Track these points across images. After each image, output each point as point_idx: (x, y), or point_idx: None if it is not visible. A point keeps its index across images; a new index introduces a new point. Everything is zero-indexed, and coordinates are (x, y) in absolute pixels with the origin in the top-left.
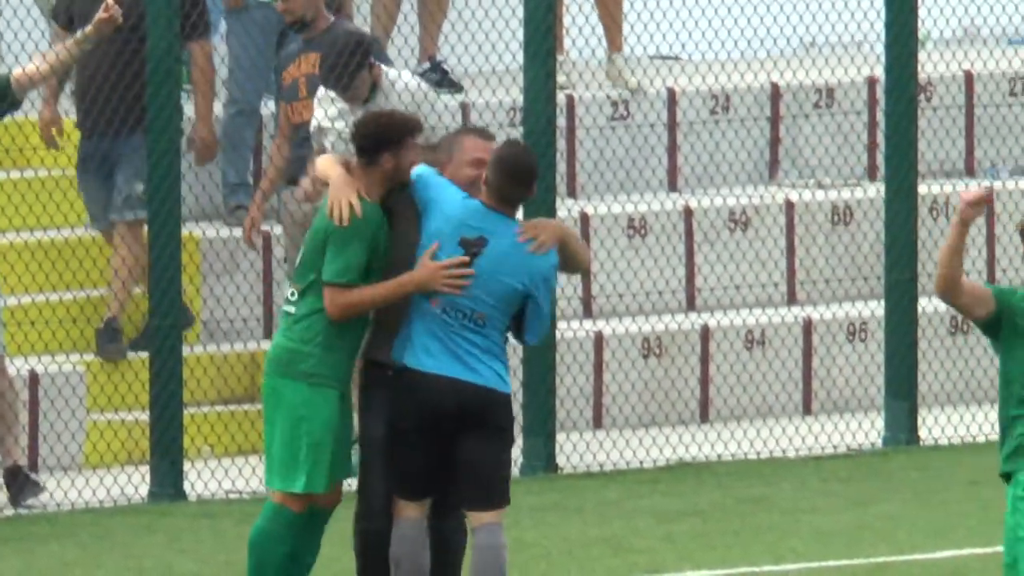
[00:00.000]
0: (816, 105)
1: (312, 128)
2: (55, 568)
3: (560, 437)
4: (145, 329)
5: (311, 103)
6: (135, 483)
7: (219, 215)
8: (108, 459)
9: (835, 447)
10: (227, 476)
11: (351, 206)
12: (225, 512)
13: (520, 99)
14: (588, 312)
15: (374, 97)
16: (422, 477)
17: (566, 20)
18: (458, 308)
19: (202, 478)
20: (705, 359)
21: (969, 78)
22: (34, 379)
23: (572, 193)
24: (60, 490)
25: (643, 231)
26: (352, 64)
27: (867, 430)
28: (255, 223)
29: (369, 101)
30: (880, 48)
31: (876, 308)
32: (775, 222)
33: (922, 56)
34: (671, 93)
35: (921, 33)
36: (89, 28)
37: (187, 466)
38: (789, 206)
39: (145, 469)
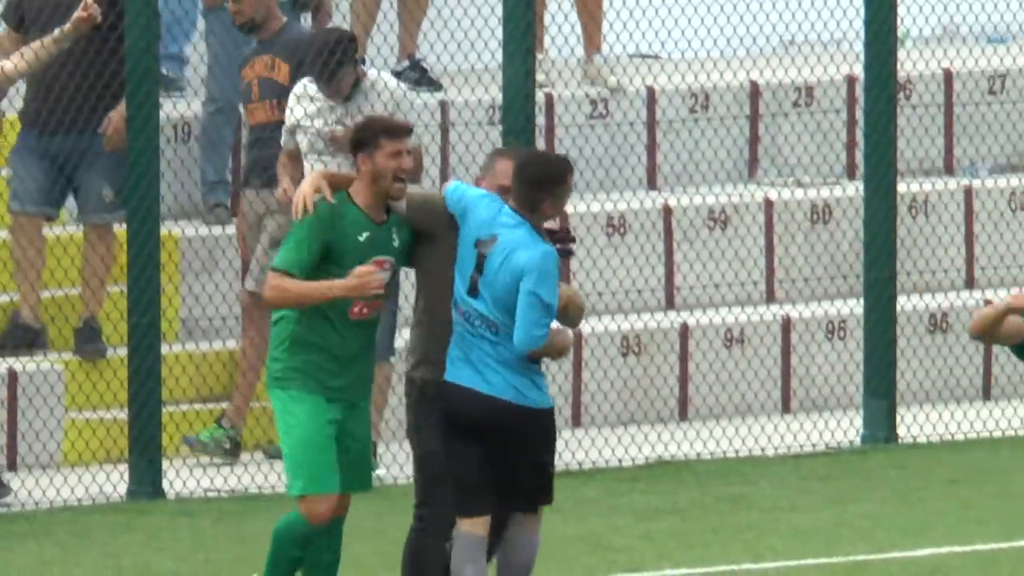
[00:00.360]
0: (795, 103)
1: (287, 125)
2: (33, 566)
3: None
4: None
5: (264, 106)
6: (113, 481)
7: (198, 213)
8: (86, 457)
9: (814, 445)
10: (205, 474)
11: (305, 201)
12: (203, 510)
13: (499, 97)
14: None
15: (354, 96)
16: (476, 491)
17: (545, 19)
18: (475, 315)
19: (180, 476)
20: (684, 357)
21: (948, 76)
22: (12, 377)
23: None
24: (39, 488)
25: (622, 230)
26: (335, 59)
27: (846, 428)
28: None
29: (349, 100)
30: (859, 46)
31: (855, 306)
32: (754, 220)
33: (901, 54)
34: (650, 92)
35: (900, 31)
36: (68, 26)
37: (165, 464)
38: (768, 204)
39: (123, 467)
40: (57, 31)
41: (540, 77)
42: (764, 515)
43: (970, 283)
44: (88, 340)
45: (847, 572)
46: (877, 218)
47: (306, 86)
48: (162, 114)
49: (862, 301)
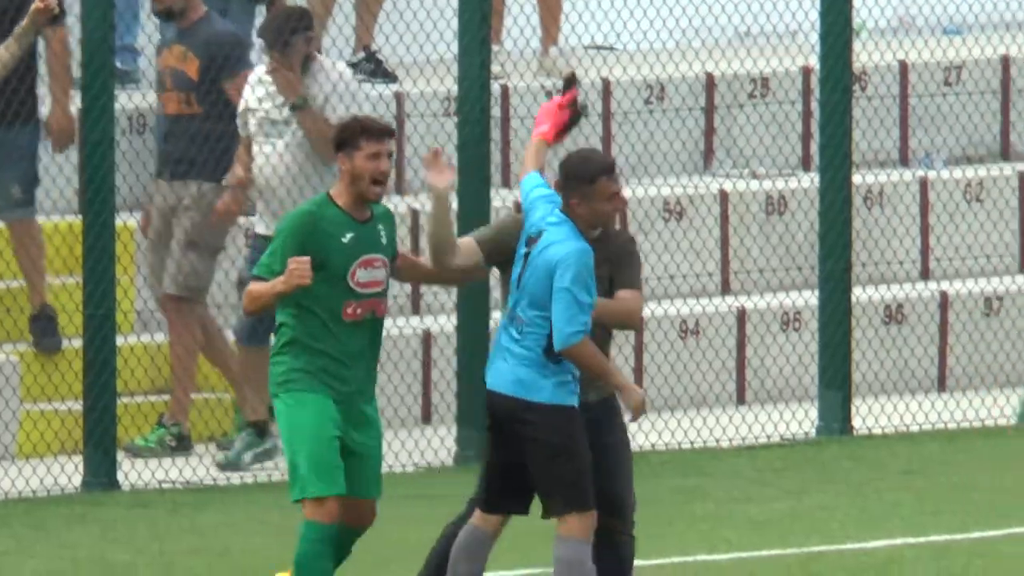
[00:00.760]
0: (751, 95)
1: (239, 110)
2: None
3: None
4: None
5: (174, 96)
6: (68, 473)
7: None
8: (42, 449)
9: (769, 437)
10: (160, 466)
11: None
12: (159, 502)
13: (455, 89)
14: None
15: (303, 72)
16: (487, 488)
17: (503, 11)
18: (511, 310)
19: (135, 468)
20: (639, 349)
21: (904, 68)
22: None
23: (507, 183)
24: None
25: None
26: (290, 27)
27: (801, 420)
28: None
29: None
30: (815, 38)
31: (810, 298)
32: (709, 212)
33: (857, 46)
34: (605, 83)
35: (856, 23)
36: (26, 21)
37: (120, 456)
38: (723, 196)
39: (79, 459)
40: (17, 28)
41: (495, 69)
42: (719, 506)
43: (925, 274)
44: (45, 334)
45: (802, 564)
46: (832, 209)
47: (259, 74)
48: (116, 105)
49: (817, 292)
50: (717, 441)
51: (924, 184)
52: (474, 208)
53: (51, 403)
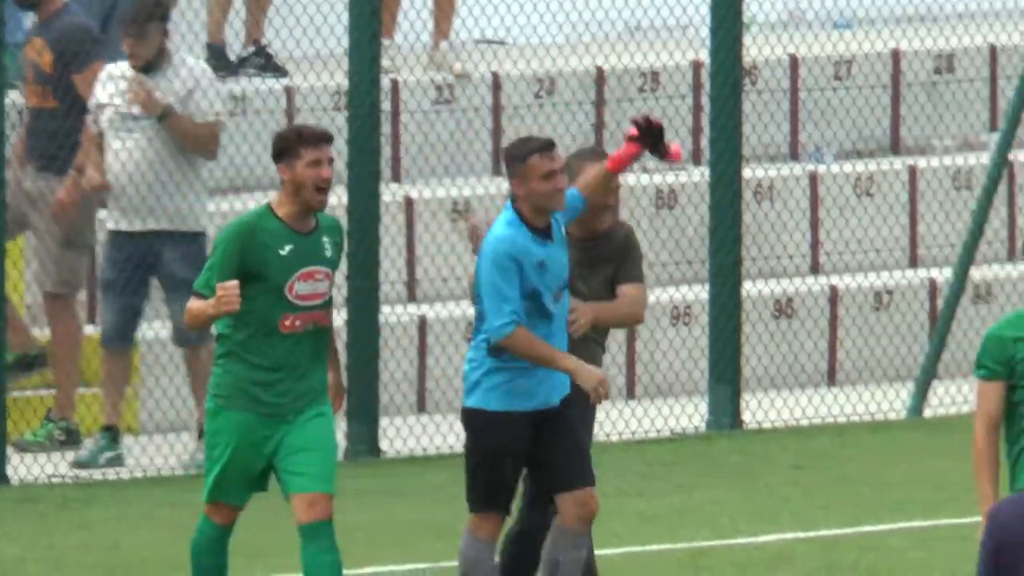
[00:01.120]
0: (641, 89)
1: (91, 105)
2: None
3: (384, 421)
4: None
5: (35, 89)
6: None
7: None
8: None
9: (659, 431)
10: (50, 461)
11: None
12: (47, 496)
13: (345, 83)
14: (412, 296)
15: (158, 71)
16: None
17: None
18: None
19: (24, 463)
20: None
21: (794, 62)
22: None
23: (396, 177)
24: None
25: (467, 214)
26: (146, 13)
27: (691, 414)
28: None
29: (153, 74)
30: (705, 32)
31: (700, 292)
32: None
33: (747, 40)
34: (495, 77)
35: (746, 17)
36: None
37: (9, 451)
38: None
39: None
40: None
41: (386, 63)
42: (609, 501)
43: (815, 269)
44: None
45: (692, 558)
46: (722, 204)
47: (110, 70)
48: (7, 100)
49: (707, 287)
50: (607, 435)
51: (814, 178)
52: (363, 202)
53: None
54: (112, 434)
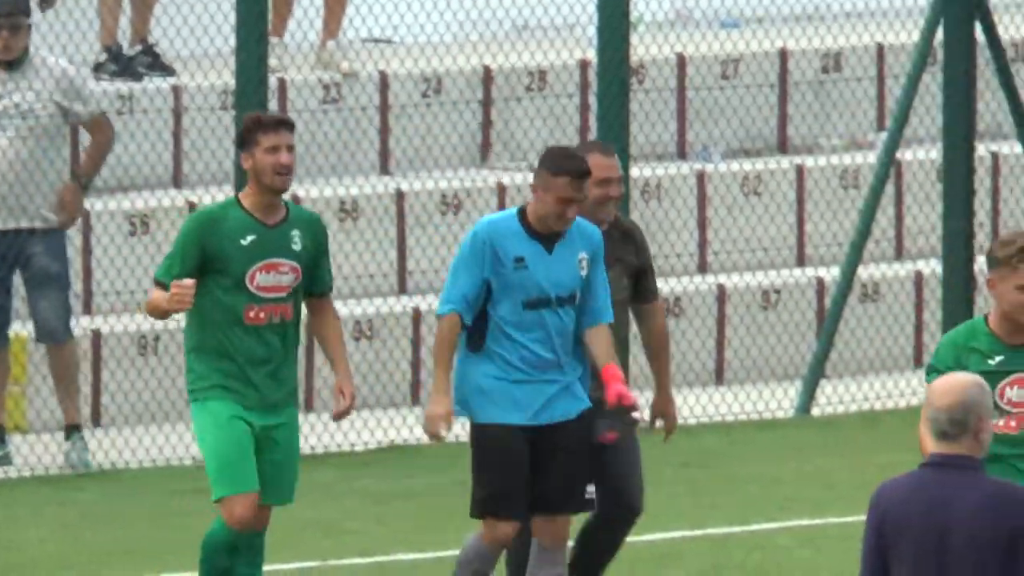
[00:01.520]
0: (528, 88)
1: None
2: None
3: None
4: None
5: None
6: None
7: None
8: None
9: None
10: None
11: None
12: None
13: (232, 82)
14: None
15: (22, 70)
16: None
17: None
18: None
19: None
20: (416, 341)
21: (681, 61)
22: None
23: None
24: None
25: (355, 214)
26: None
27: None
28: None
29: (16, 71)
30: (592, 31)
31: None
32: (487, 205)
33: (634, 39)
34: (383, 76)
35: (633, 16)
36: None
37: None
38: (501, 189)
39: None
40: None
41: (273, 62)
42: None
43: (703, 267)
44: None
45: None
46: None
47: None
48: None
49: None
50: None
51: (701, 177)
52: None
53: None
54: None
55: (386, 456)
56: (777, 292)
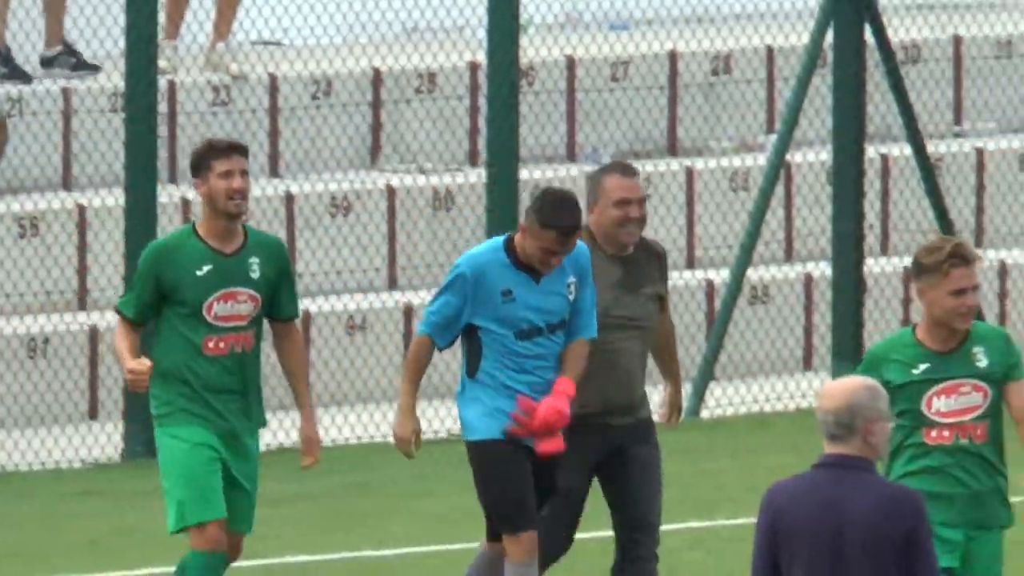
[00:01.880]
0: (418, 90)
1: None
2: None
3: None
4: None
5: None
6: None
7: None
8: None
9: (435, 432)
10: None
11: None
12: None
13: (122, 85)
14: None
15: None
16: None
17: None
18: None
19: None
20: (307, 343)
21: (571, 63)
22: None
23: (173, 179)
24: None
25: (244, 217)
26: None
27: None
28: None
29: None
30: (482, 33)
31: None
32: (376, 207)
33: (524, 41)
34: (272, 79)
35: (523, 18)
36: None
37: None
38: (391, 191)
39: None
40: None
41: (162, 64)
42: (388, 501)
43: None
44: None
45: (469, 557)
46: (499, 205)
47: None
48: None
49: None
50: (385, 436)
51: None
52: (140, 204)
53: None
54: None
55: (277, 458)
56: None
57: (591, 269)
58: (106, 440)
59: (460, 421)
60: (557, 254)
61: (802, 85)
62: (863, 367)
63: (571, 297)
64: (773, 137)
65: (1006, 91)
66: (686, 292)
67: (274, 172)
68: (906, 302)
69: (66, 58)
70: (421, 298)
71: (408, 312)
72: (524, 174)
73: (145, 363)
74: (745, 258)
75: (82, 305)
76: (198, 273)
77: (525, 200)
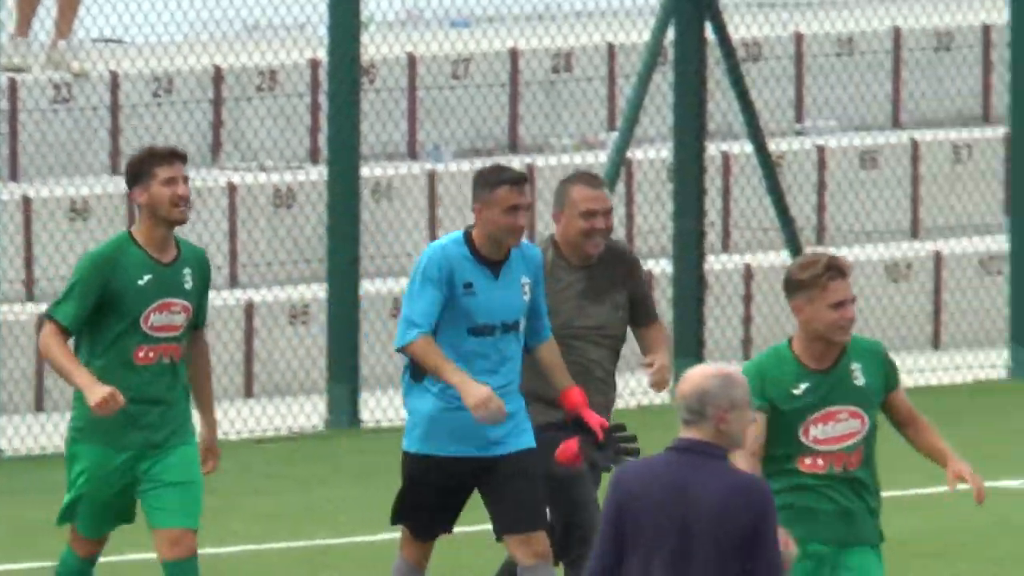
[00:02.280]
0: (259, 88)
1: None
2: None
3: (3, 420)
4: None
5: None
6: None
7: None
8: None
9: (277, 430)
10: None
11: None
12: None
13: None
14: (30, 296)
15: None
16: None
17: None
18: None
19: None
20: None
21: (412, 60)
22: None
23: (14, 176)
24: None
25: (85, 214)
26: None
27: (309, 413)
28: None
29: None
30: (323, 30)
31: (319, 291)
32: (217, 205)
33: (365, 38)
34: (114, 76)
35: (364, 15)
36: None
37: None
38: (232, 189)
39: None
40: None
41: (17, 60)
42: (227, 500)
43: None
44: None
45: (311, 556)
46: (341, 202)
47: None
48: None
49: (326, 286)
50: (224, 434)
51: (432, 177)
52: None
53: None
54: None
55: None
56: None
57: (551, 278)
58: (52, 429)
59: (410, 425)
60: (519, 208)
61: (643, 82)
62: (752, 387)
63: (526, 298)
64: (614, 134)
65: (847, 89)
66: None
67: (115, 170)
68: (747, 299)
69: None
70: (261, 296)
71: (249, 309)
72: (365, 171)
73: (121, 398)
74: None
75: None
76: (139, 283)
77: (366, 197)
